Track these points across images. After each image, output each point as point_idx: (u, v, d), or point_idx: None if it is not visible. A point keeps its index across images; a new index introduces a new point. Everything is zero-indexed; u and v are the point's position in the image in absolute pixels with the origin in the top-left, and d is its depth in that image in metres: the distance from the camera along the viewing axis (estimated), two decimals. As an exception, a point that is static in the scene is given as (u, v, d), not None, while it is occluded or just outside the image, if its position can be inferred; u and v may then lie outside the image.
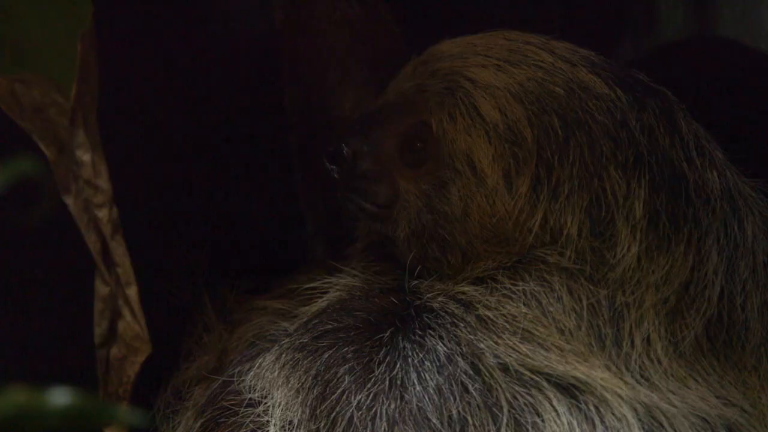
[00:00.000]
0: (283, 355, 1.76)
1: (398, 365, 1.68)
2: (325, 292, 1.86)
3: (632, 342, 1.67)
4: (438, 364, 1.67)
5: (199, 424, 1.78)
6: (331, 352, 1.73)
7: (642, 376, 1.66)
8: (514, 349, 1.67)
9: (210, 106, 2.19)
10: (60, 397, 1.24)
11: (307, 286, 1.88)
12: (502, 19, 2.05)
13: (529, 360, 1.66)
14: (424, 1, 2.29)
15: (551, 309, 1.68)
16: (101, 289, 1.80)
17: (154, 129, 2.09)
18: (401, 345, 1.70)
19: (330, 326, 1.77)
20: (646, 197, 1.69)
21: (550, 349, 1.67)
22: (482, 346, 1.67)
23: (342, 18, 2.15)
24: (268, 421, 1.72)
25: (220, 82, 2.21)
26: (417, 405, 1.65)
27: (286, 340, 1.78)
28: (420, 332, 1.70)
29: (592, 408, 1.64)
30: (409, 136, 1.78)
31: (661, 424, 1.64)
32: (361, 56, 2.15)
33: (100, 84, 1.75)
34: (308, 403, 1.71)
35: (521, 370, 1.66)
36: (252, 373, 1.77)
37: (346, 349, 1.72)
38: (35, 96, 1.75)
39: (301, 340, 1.77)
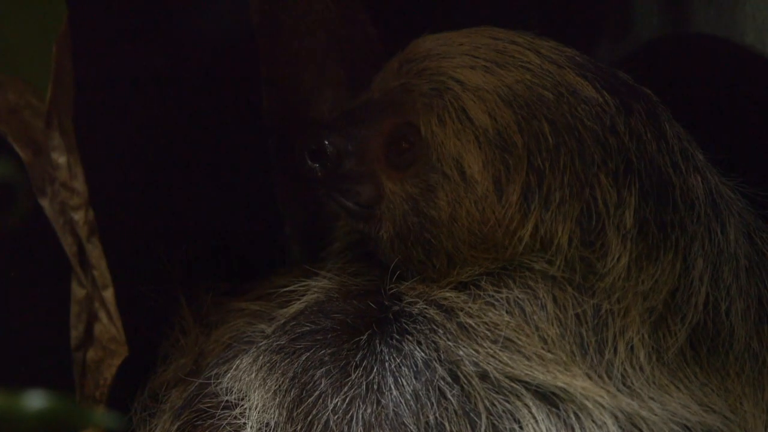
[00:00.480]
0: (261, 357, 1.75)
1: (375, 369, 1.67)
2: (303, 295, 1.84)
3: (615, 350, 1.66)
4: (415, 369, 1.66)
5: (175, 427, 1.77)
6: (308, 354, 1.72)
7: (624, 384, 1.66)
8: (494, 357, 1.65)
9: (186, 108, 2.18)
10: (35, 400, 1.24)
11: (285, 289, 1.86)
12: (479, 21, 2.05)
13: (509, 368, 1.65)
14: (401, 3, 2.28)
15: (534, 317, 1.67)
16: (77, 291, 1.79)
17: (130, 131, 2.08)
18: (378, 349, 1.69)
19: (307, 328, 1.75)
20: (636, 206, 1.68)
21: (531, 358, 1.65)
22: (461, 353, 1.66)
23: (318, 19, 2.15)
24: (245, 423, 1.71)
25: (197, 84, 2.20)
26: (393, 410, 1.65)
27: (263, 342, 1.77)
28: (398, 336, 1.69)
29: (571, 415, 1.64)
30: (396, 137, 1.75)
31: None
32: (337, 57, 2.15)
33: (76, 86, 1.75)
34: (285, 406, 1.70)
35: (501, 378, 1.64)
36: (229, 375, 1.76)
37: (323, 351, 1.71)
38: (10, 98, 1.75)
39: (278, 342, 1.76)
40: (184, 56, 2.19)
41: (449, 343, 1.67)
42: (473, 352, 1.66)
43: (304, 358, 1.72)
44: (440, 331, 1.68)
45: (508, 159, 1.68)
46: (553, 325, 1.66)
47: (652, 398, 1.65)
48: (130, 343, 1.78)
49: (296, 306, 1.83)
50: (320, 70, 2.15)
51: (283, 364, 1.73)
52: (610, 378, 1.65)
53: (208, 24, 2.23)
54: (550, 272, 1.68)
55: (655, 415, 1.64)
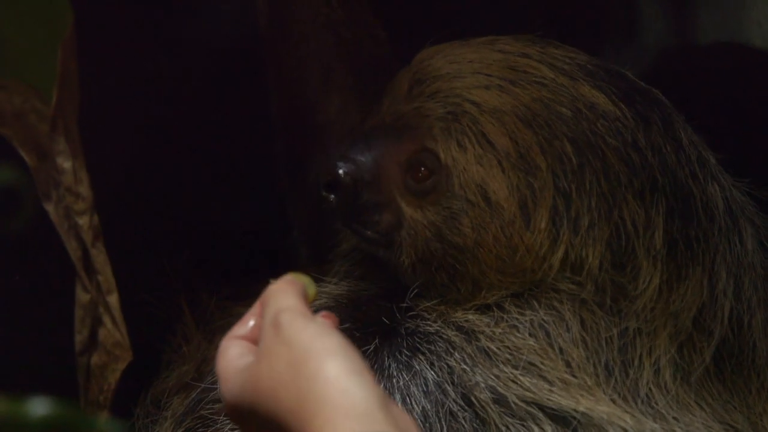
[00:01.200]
0: None
1: (382, 384, 1.64)
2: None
3: (642, 371, 1.63)
4: (425, 389, 1.63)
5: (177, 434, 1.77)
6: None
7: (649, 405, 1.63)
8: (514, 383, 1.62)
9: (193, 113, 2.18)
10: (39, 406, 1.23)
11: None
12: (485, 25, 2.04)
13: (529, 394, 1.62)
14: (409, 5, 2.27)
15: (559, 340, 1.63)
16: (82, 296, 1.78)
17: (136, 136, 2.08)
18: (386, 363, 1.66)
19: None
20: (664, 225, 1.64)
21: (554, 383, 1.62)
22: (478, 378, 1.62)
23: (325, 22, 2.13)
24: None
25: (203, 88, 2.19)
26: None
27: None
28: (407, 353, 1.66)
29: None
30: (414, 163, 1.70)
31: None
32: (345, 61, 2.13)
33: (81, 91, 1.74)
34: None
35: (518, 403, 1.61)
36: None
37: None
38: (15, 102, 1.74)
39: None
40: (191, 60, 2.18)
41: (465, 367, 1.63)
42: (492, 377, 1.62)
43: None
44: (456, 354, 1.65)
45: (533, 183, 1.64)
46: (578, 348, 1.63)
47: (675, 419, 1.62)
48: (135, 348, 1.77)
49: None
50: (327, 74, 2.14)
51: None
52: (635, 400, 1.62)
53: (215, 27, 2.23)
54: (578, 294, 1.64)
55: None
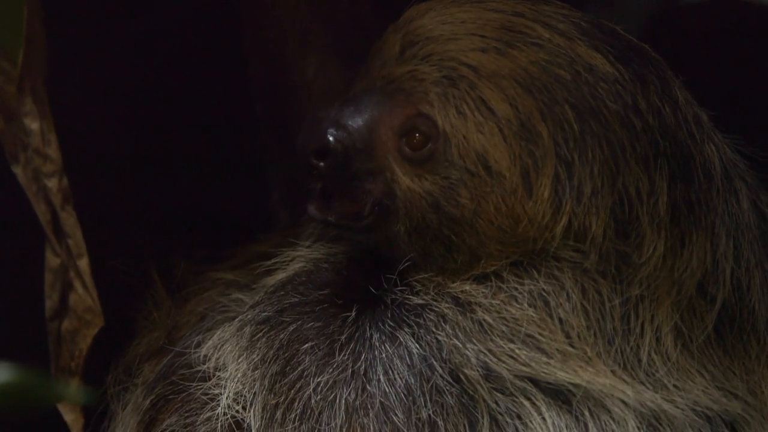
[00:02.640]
0: (245, 327, 1.70)
1: (363, 356, 1.61)
2: (287, 264, 1.78)
3: (643, 340, 1.60)
4: (410, 363, 1.60)
5: (148, 401, 1.73)
6: (294, 327, 1.66)
7: (648, 374, 1.60)
8: (510, 357, 1.59)
9: (166, 74, 2.15)
10: (2, 373, 1.21)
11: (267, 262, 1.79)
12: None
13: (525, 368, 1.58)
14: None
15: (559, 310, 1.60)
16: (52, 260, 1.76)
17: (106, 97, 2.05)
18: (368, 333, 1.63)
19: (295, 300, 1.70)
20: (668, 190, 1.61)
21: (552, 355, 1.59)
22: (469, 353, 1.59)
23: (300, -19, 2.11)
24: (219, 394, 1.67)
25: (177, 49, 2.17)
26: (380, 400, 1.59)
27: (249, 312, 1.72)
28: (391, 323, 1.63)
29: (586, 413, 1.58)
30: (408, 129, 1.63)
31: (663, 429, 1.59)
32: (321, 20, 2.10)
33: (49, 51, 1.71)
34: (267, 377, 1.65)
35: (512, 378, 1.58)
36: (209, 343, 1.72)
37: (310, 325, 1.66)
38: (-20, 62, 1.71)
39: (264, 313, 1.70)
40: (164, 22, 2.15)
41: (456, 342, 1.60)
42: (485, 351, 1.59)
43: (289, 330, 1.66)
44: (448, 327, 1.61)
45: (534, 151, 1.60)
46: (578, 317, 1.60)
47: (676, 386, 1.60)
48: (106, 314, 1.75)
49: (282, 275, 1.76)
50: (303, 33, 2.11)
51: (268, 335, 1.68)
52: (636, 369, 1.60)
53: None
54: (580, 262, 1.60)
55: (678, 407, 1.59)
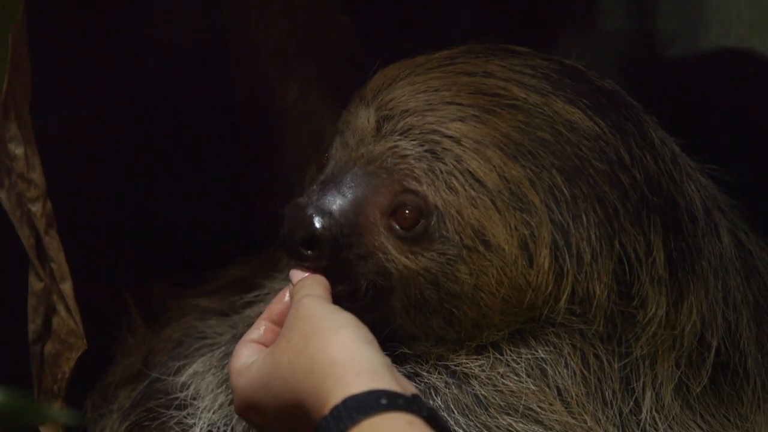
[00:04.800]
0: (229, 359, 1.67)
1: None
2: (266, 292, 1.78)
3: (644, 399, 1.57)
4: None
5: (124, 427, 1.71)
6: None
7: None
8: (509, 431, 1.55)
9: (150, 99, 2.15)
10: (-14, 396, 1.21)
11: (250, 293, 1.78)
12: (446, 11, 2.02)
13: None
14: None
15: (557, 378, 1.56)
16: (35, 284, 1.75)
17: (91, 123, 2.05)
18: None
19: None
20: (663, 246, 1.57)
21: (551, 427, 1.55)
22: (462, 428, 1.55)
23: (284, 8, 2.10)
24: (194, 424, 1.65)
25: (162, 75, 2.17)
26: None
27: (232, 345, 1.66)
28: None
29: None
30: (396, 206, 1.57)
31: None
32: (305, 47, 2.09)
33: (33, 76, 1.71)
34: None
35: None
36: (190, 371, 1.71)
37: None
38: (-36, 88, 1.71)
39: None
40: (151, 46, 2.16)
41: (446, 414, 1.55)
42: (480, 426, 1.55)
43: None
44: (439, 400, 1.57)
45: (529, 220, 1.55)
46: (578, 385, 1.56)
47: None
48: (89, 337, 1.75)
49: (264, 306, 1.68)
50: (286, 60, 2.11)
51: None
52: (636, 430, 1.56)
53: (178, 15, 2.21)
54: (577, 326, 1.57)
55: None
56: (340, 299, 1.55)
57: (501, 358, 1.58)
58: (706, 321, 1.60)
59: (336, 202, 1.58)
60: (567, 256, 1.55)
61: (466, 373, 1.58)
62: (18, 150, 1.71)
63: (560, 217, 1.55)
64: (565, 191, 1.56)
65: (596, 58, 1.79)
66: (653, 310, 1.57)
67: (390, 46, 1.69)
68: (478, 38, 1.69)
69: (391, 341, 1.60)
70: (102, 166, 2.09)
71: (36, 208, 1.73)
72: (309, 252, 1.57)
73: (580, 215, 1.56)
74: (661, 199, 1.59)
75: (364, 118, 1.61)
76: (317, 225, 1.57)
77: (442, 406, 1.57)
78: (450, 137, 1.56)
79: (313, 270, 1.57)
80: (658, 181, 1.59)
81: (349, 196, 1.58)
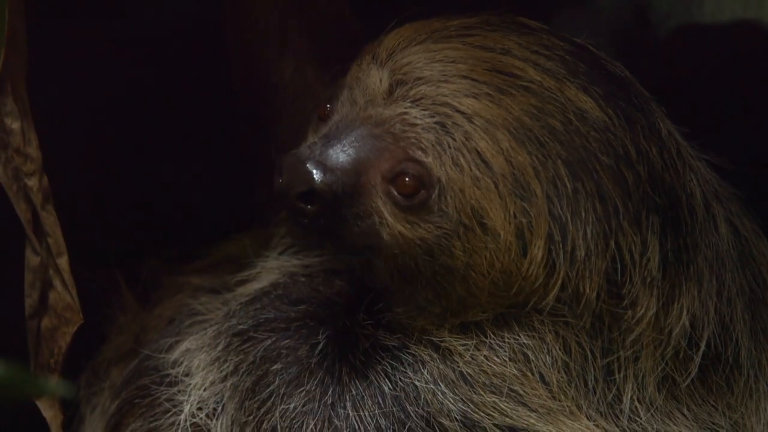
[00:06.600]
0: (221, 338, 1.68)
1: (331, 389, 1.59)
2: (259, 272, 1.77)
3: (626, 387, 1.58)
4: (381, 403, 1.58)
5: (114, 405, 1.72)
6: (268, 342, 1.64)
7: (631, 420, 1.58)
8: (494, 408, 1.57)
9: (146, 74, 2.15)
10: (-17, 368, 1.22)
11: (243, 272, 1.78)
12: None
13: (506, 419, 1.56)
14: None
15: (540, 364, 1.57)
16: (31, 259, 1.74)
17: (87, 98, 2.05)
18: (336, 366, 1.60)
19: (270, 315, 1.68)
20: (659, 246, 1.57)
21: (535, 409, 1.57)
22: (449, 402, 1.57)
23: (279, -19, 2.11)
24: (185, 401, 1.66)
25: (157, 48, 2.17)
26: None
27: (225, 323, 1.70)
28: (363, 359, 1.60)
29: None
30: (398, 174, 1.57)
31: None
32: (300, 21, 2.07)
33: (30, 51, 1.72)
34: (237, 391, 1.64)
35: (492, 428, 1.56)
36: (183, 347, 1.71)
37: (283, 343, 1.64)
38: (-39, 63, 1.71)
39: (240, 326, 1.68)
40: (146, 21, 2.15)
41: (435, 389, 1.58)
42: (465, 401, 1.57)
43: (263, 346, 1.65)
44: (426, 373, 1.58)
45: (528, 210, 1.55)
46: (559, 372, 1.57)
47: (657, 431, 1.58)
48: (85, 312, 1.75)
49: (257, 285, 1.75)
50: (282, 35, 2.10)
51: (241, 348, 1.66)
52: (618, 418, 1.57)
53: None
54: (561, 313, 1.57)
55: None
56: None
57: (485, 340, 1.59)
58: (698, 319, 1.60)
59: (339, 159, 1.57)
60: (561, 251, 1.55)
61: (449, 349, 1.59)
62: (14, 124, 1.70)
63: (559, 210, 1.55)
64: (568, 185, 1.55)
65: (590, 33, 1.78)
66: (642, 311, 1.57)
67: (385, 21, 1.68)
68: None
69: (379, 310, 1.61)
70: (98, 141, 2.09)
71: (32, 182, 1.72)
72: (308, 207, 1.56)
73: (580, 211, 1.55)
74: (663, 198, 1.58)
75: (376, 77, 1.60)
76: (317, 179, 1.56)
77: (430, 378, 1.58)
78: (462, 113, 1.56)
79: (307, 226, 1.57)
80: (662, 176, 1.59)
81: (352, 155, 1.58)
